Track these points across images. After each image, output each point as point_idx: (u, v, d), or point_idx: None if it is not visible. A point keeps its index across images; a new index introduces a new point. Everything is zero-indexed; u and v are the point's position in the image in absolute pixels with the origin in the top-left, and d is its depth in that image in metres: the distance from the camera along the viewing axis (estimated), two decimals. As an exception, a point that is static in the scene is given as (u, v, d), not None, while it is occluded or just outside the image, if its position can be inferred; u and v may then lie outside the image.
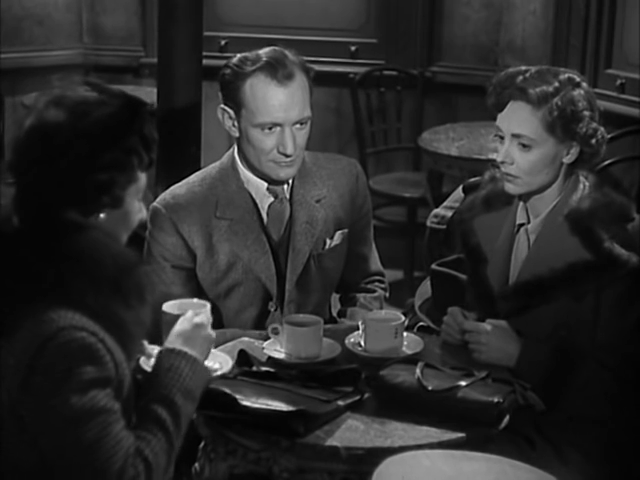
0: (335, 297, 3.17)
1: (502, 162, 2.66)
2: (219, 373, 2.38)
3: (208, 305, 2.34)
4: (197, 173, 2.99)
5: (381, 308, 3.09)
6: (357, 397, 2.42)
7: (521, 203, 2.73)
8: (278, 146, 2.81)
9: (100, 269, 2.01)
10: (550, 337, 2.62)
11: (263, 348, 2.63)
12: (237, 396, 2.34)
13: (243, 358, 2.55)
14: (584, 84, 2.66)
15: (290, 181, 2.92)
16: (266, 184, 2.91)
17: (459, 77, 5.81)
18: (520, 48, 5.64)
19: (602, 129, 2.66)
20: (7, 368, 1.97)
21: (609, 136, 2.72)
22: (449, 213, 3.07)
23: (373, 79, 5.79)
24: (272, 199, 2.92)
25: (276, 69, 2.78)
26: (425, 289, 2.99)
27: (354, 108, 5.68)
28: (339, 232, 2.98)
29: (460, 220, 2.86)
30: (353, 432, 2.32)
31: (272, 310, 2.92)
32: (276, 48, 2.85)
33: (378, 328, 2.62)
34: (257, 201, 2.91)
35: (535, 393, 2.49)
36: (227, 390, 2.35)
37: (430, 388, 2.38)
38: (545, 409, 2.52)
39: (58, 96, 2.05)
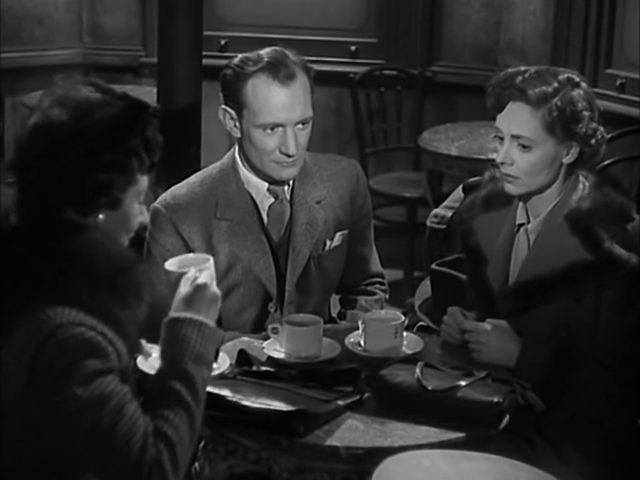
0: (335, 298, 3.17)
1: (502, 163, 2.65)
2: (217, 372, 2.37)
3: (211, 259, 2.23)
4: (197, 174, 2.99)
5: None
6: (357, 397, 2.42)
7: (521, 203, 2.73)
8: (280, 146, 2.81)
9: (96, 268, 2.01)
10: (550, 337, 2.62)
11: (263, 348, 2.63)
12: (237, 396, 2.34)
13: (243, 358, 2.55)
14: (583, 84, 2.65)
15: (290, 182, 2.92)
16: (266, 185, 2.91)
17: (459, 77, 5.81)
18: (520, 48, 5.64)
19: (602, 129, 2.66)
20: (7, 367, 1.97)
21: (609, 136, 2.72)
22: (449, 213, 3.07)
23: (373, 79, 5.79)
24: (272, 200, 2.92)
25: (278, 69, 2.78)
26: (425, 289, 2.99)
27: (354, 108, 5.68)
28: (339, 233, 2.98)
29: (460, 220, 2.86)
30: (353, 432, 2.32)
31: (272, 311, 2.92)
32: (277, 48, 2.85)
33: (378, 328, 2.62)
34: (257, 202, 2.92)
35: (535, 393, 2.49)
36: (227, 392, 2.35)
37: (430, 388, 2.38)
38: (545, 409, 2.52)
39: (62, 96, 2.05)
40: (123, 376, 2.01)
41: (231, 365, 2.49)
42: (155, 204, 2.89)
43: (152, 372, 2.19)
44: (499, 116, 2.66)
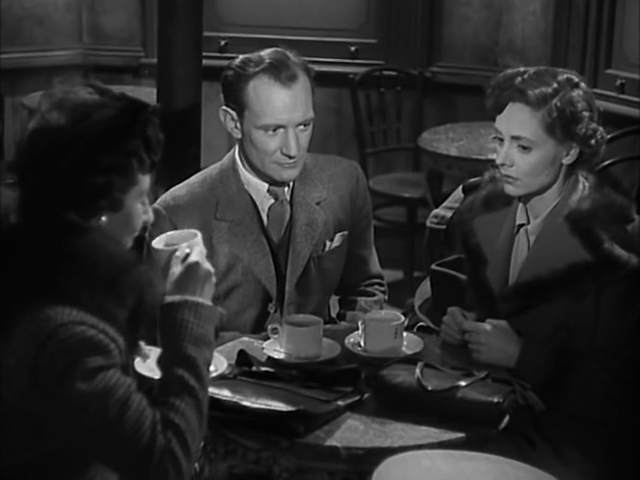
0: (334, 299, 3.17)
1: (502, 164, 2.65)
2: (215, 375, 2.36)
3: (199, 235, 2.19)
4: (197, 174, 2.99)
5: (380, 310, 3.09)
6: (357, 397, 2.42)
7: (521, 204, 2.73)
8: (281, 147, 2.81)
9: (96, 269, 2.01)
10: (550, 338, 2.62)
11: (263, 348, 2.63)
12: (237, 396, 2.34)
13: (243, 358, 2.55)
14: (583, 84, 2.65)
15: (291, 183, 2.92)
16: (267, 186, 2.91)
17: (459, 77, 5.81)
18: (520, 48, 5.64)
19: (601, 129, 2.66)
20: (8, 367, 1.97)
21: (609, 136, 2.73)
22: (449, 213, 3.07)
23: (373, 79, 5.79)
24: (272, 201, 2.92)
25: (279, 70, 2.78)
26: (425, 289, 2.99)
27: (354, 108, 5.68)
28: (339, 234, 2.98)
29: (460, 220, 2.86)
30: (353, 432, 2.32)
31: (272, 311, 2.92)
32: (278, 49, 2.85)
33: (378, 328, 2.62)
34: (257, 203, 2.92)
35: (535, 393, 2.49)
36: (227, 392, 2.35)
37: (430, 388, 2.38)
38: (545, 409, 2.53)
39: (60, 99, 2.05)
40: (125, 372, 2.01)
41: (230, 366, 2.49)
42: (155, 205, 2.88)
43: (150, 374, 2.19)
44: (499, 117, 2.66)
